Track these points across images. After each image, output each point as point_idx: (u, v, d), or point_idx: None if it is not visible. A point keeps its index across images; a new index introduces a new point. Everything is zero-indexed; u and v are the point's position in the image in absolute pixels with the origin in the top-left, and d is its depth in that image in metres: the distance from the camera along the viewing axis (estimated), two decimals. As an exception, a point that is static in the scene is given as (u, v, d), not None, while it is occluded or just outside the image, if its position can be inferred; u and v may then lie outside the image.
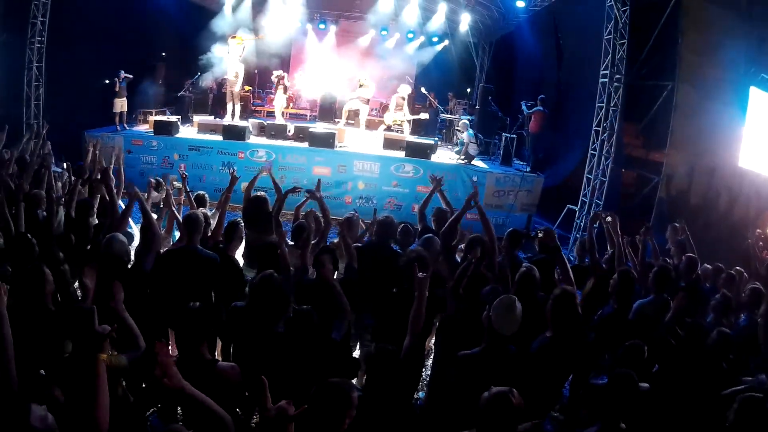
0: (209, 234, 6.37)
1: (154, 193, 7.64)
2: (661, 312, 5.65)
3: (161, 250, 5.88)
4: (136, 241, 6.57)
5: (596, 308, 5.86)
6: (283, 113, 17.99)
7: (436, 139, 18.49)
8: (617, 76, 13.40)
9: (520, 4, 17.48)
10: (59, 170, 9.33)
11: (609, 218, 6.87)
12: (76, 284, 5.86)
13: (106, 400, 2.93)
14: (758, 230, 11.44)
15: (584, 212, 14.13)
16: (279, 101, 17.96)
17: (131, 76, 15.66)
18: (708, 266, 7.68)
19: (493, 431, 3.26)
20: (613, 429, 3.62)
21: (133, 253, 6.10)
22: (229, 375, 3.95)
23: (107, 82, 16.04)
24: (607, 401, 3.67)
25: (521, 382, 3.72)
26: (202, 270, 5.59)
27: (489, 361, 4.20)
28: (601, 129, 13.76)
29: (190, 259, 5.59)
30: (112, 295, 3.99)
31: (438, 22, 22.02)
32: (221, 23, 19.20)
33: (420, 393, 6.04)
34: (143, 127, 16.54)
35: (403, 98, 18.18)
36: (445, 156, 16.52)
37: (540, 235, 6.83)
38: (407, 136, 17.04)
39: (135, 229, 7.47)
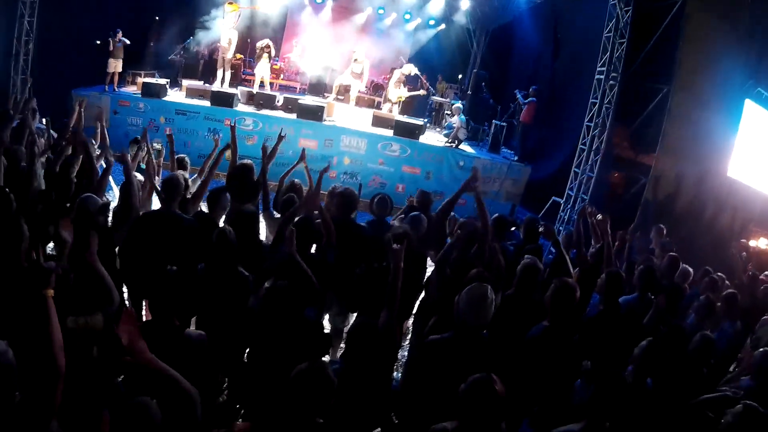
0: (188, 198, 6.20)
1: (140, 155, 7.51)
2: (645, 311, 5.62)
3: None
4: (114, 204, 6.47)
5: (580, 302, 5.82)
6: (263, 82, 17.70)
7: (425, 120, 18.39)
8: (613, 74, 13.38)
9: (522, -5, 17.40)
10: (42, 126, 9.14)
11: (599, 216, 6.85)
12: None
13: (60, 337, 2.86)
14: (742, 240, 11.53)
15: (569, 206, 14.16)
16: (261, 70, 17.61)
17: (128, 41, 15.38)
18: (689, 268, 7.70)
19: (475, 421, 3.17)
20: (599, 428, 3.55)
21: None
22: (196, 343, 3.89)
23: (98, 42, 15.78)
24: (593, 399, 3.61)
25: (494, 369, 3.66)
26: (179, 235, 5.44)
27: (459, 348, 4.11)
28: (593, 125, 13.74)
29: (168, 224, 5.46)
30: (87, 246, 3.89)
31: (437, 5, 21.92)
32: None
33: (396, 374, 5.98)
34: (131, 89, 16.28)
35: (405, 76, 18.05)
36: (433, 138, 16.47)
37: (541, 230, 6.86)
38: (396, 115, 16.91)
39: (115, 190, 7.34)
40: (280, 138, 7.40)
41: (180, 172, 6.74)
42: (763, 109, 13.84)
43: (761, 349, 5.09)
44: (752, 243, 13.34)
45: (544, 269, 5.80)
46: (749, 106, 13.45)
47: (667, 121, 12.72)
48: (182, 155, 7.95)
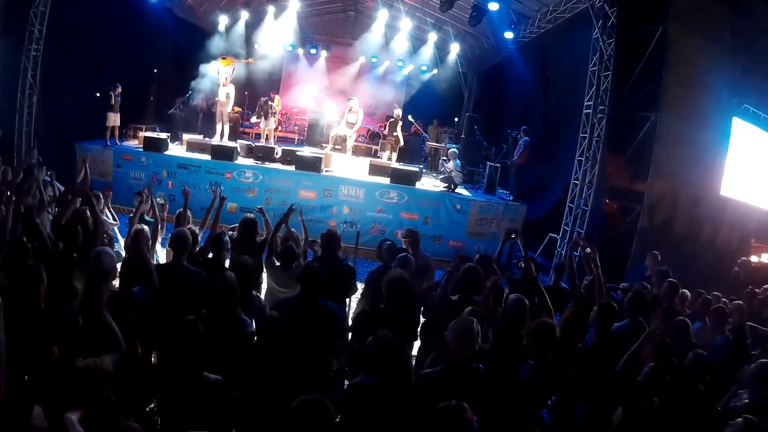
0: (196, 251, 6.45)
1: (143, 206, 7.75)
2: (637, 336, 5.74)
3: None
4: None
5: (576, 334, 5.94)
6: (268, 136, 18.05)
7: (421, 166, 18.64)
8: (601, 107, 13.61)
9: (509, 35, 17.74)
10: (47, 179, 9.42)
11: (588, 249, 6.92)
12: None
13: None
14: (743, 258, 11.63)
15: (565, 241, 14.27)
16: (267, 125, 18.05)
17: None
18: (687, 292, 7.84)
19: None
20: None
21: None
22: (215, 387, 4.07)
23: (98, 95, 16.10)
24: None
25: (488, 402, 3.82)
26: (188, 287, 5.63)
27: (450, 380, 4.23)
28: (584, 159, 13.96)
29: (178, 276, 5.62)
30: (99, 298, 4.11)
31: (428, 51, 22.37)
32: (215, 43, 19.39)
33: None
34: (132, 143, 16.60)
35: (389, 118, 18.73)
36: (429, 183, 16.62)
37: (521, 265, 6.93)
38: (392, 163, 17.16)
39: (121, 242, 7.56)
40: (291, 210, 7.65)
41: (190, 227, 6.96)
42: (751, 125, 13.98)
43: (760, 361, 5.21)
44: (754, 259, 13.45)
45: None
46: (737, 123, 13.60)
47: (657, 147, 12.81)
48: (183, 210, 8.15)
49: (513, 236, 7.83)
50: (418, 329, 5.77)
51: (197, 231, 6.80)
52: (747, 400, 4.99)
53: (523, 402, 4.65)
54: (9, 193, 6.61)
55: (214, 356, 4.30)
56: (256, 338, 4.64)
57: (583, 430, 4.29)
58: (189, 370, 4.07)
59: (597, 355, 5.36)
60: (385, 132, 19.09)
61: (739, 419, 4.10)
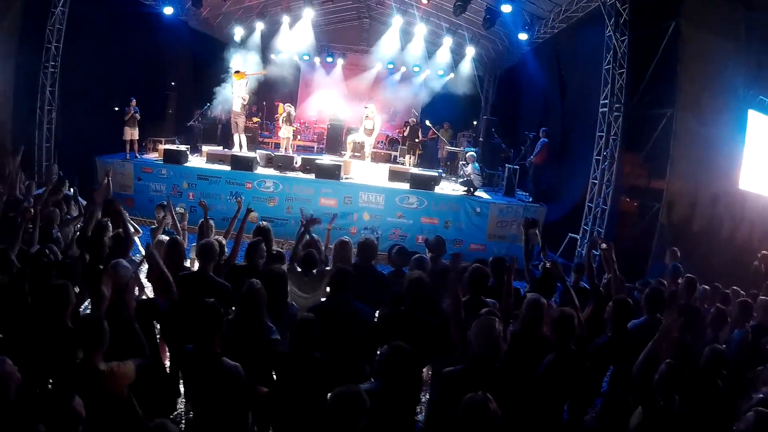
0: (223, 261, 6.53)
1: (166, 219, 7.87)
2: (654, 332, 5.72)
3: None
4: (145, 266, 6.78)
5: (596, 333, 5.94)
6: (286, 145, 18.27)
7: (440, 171, 18.68)
8: (617, 105, 13.65)
9: (523, 37, 17.69)
10: (69, 194, 9.62)
11: (604, 245, 6.93)
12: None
13: None
14: (764, 251, 11.53)
15: (585, 240, 14.27)
16: (285, 134, 18.29)
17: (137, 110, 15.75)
18: (706, 287, 7.83)
19: None
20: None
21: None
22: (233, 372, 4.22)
23: (117, 109, 16.32)
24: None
25: (510, 401, 3.86)
26: (212, 296, 5.68)
27: (473, 377, 4.24)
28: (601, 158, 13.97)
29: (202, 286, 5.67)
30: (124, 303, 4.22)
31: (443, 55, 22.37)
32: (231, 54, 19.54)
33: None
34: (152, 155, 16.80)
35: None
36: (448, 188, 16.67)
37: (547, 265, 6.93)
38: (411, 168, 17.24)
39: (142, 251, 7.69)
40: (315, 220, 7.77)
41: (218, 238, 7.06)
42: (767, 117, 13.88)
43: None
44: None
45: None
46: (753, 116, 13.50)
47: (674, 143, 12.83)
48: (207, 219, 8.24)
49: (533, 226, 7.84)
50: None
51: (223, 241, 6.92)
52: (761, 395, 4.94)
53: (541, 398, 4.68)
54: (33, 209, 6.80)
55: (239, 361, 4.39)
56: (289, 341, 4.67)
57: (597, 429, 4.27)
58: (209, 351, 4.23)
59: (611, 351, 5.40)
60: (406, 136, 19.21)
61: (749, 413, 4.08)
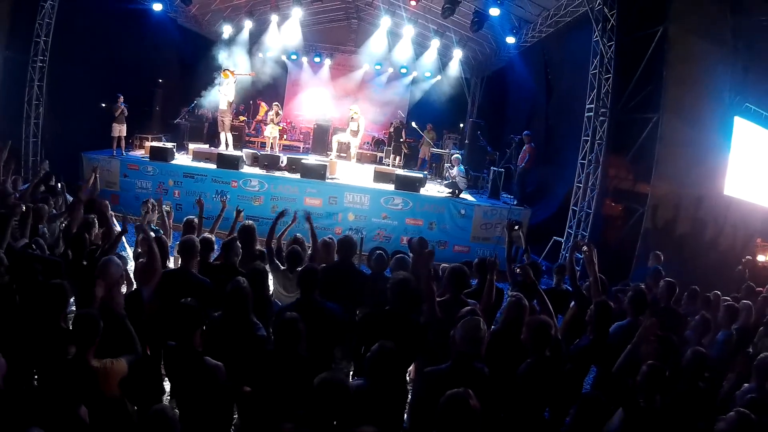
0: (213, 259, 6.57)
1: (153, 216, 7.86)
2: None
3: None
4: (130, 264, 6.78)
5: (579, 335, 5.95)
6: (271, 144, 18.26)
7: (426, 172, 18.73)
8: (602, 110, 13.67)
9: (510, 40, 17.77)
10: (57, 189, 9.58)
11: (585, 248, 6.92)
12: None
13: None
14: (748, 257, 11.64)
15: (569, 243, 14.30)
16: (270, 132, 18.27)
17: (125, 109, 15.66)
18: (693, 291, 7.90)
19: None
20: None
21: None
22: (215, 371, 4.23)
23: (104, 105, 16.26)
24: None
25: (491, 400, 3.88)
26: (193, 293, 5.68)
27: (455, 376, 4.24)
28: (586, 162, 14.02)
29: (182, 282, 5.68)
30: (113, 303, 4.23)
31: (431, 57, 22.42)
32: (219, 52, 19.52)
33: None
34: (139, 152, 16.75)
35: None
36: (433, 189, 16.66)
37: (518, 271, 6.93)
38: (397, 170, 17.26)
39: (128, 250, 7.64)
40: (294, 219, 7.80)
41: (206, 235, 7.05)
42: (753, 124, 13.99)
43: (763, 354, 5.28)
44: (760, 258, 13.44)
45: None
46: (739, 122, 13.61)
47: (660, 148, 12.88)
48: (191, 217, 8.21)
49: (516, 228, 7.85)
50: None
51: (213, 238, 6.91)
52: (752, 395, 5.03)
53: (521, 400, 4.70)
54: (21, 202, 6.78)
55: (226, 358, 4.41)
56: (273, 339, 4.69)
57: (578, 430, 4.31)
58: (189, 350, 4.25)
59: (593, 353, 5.42)
60: (391, 134, 19.23)
61: (731, 413, 4.13)
